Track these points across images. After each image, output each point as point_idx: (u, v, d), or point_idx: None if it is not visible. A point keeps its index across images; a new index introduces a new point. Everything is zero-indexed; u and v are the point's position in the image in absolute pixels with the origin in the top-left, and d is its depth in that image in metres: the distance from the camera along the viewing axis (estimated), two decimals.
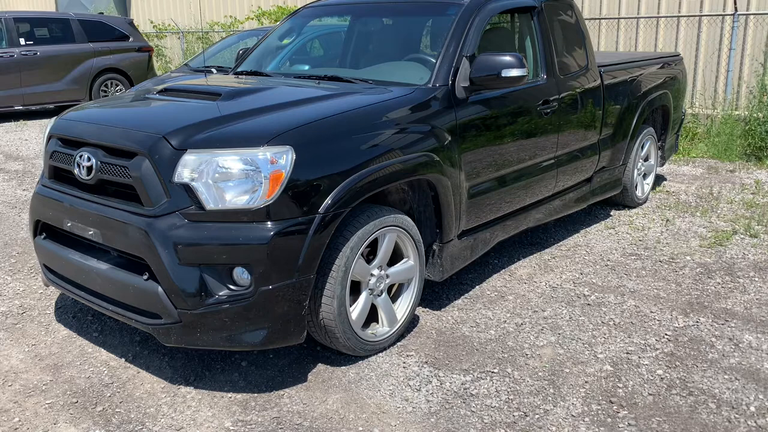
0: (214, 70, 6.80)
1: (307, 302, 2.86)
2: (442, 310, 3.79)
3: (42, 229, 3.39)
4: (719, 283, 4.13)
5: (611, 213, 5.61)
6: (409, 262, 3.39)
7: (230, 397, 2.93)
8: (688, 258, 4.57)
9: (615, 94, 5.04)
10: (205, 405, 2.87)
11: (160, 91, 3.52)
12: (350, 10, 4.50)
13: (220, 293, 2.76)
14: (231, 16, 14.92)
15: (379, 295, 3.26)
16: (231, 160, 2.72)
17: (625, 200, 5.64)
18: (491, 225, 3.98)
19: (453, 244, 3.64)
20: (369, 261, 3.19)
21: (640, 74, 5.40)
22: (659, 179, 6.65)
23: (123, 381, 3.06)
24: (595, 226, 5.29)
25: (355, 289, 3.17)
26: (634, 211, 5.66)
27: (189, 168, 2.74)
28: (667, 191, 6.29)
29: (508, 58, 3.51)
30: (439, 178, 3.36)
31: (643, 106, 5.39)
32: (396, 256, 3.37)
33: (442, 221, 3.49)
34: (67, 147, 3.19)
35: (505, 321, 3.65)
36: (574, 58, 4.62)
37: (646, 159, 5.81)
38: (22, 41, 11.09)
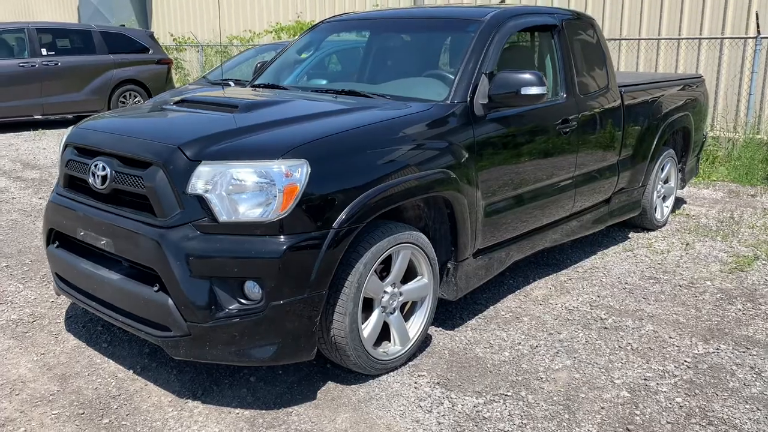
0: (231, 83, 6.81)
1: (318, 318, 2.81)
2: (456, 330, 3.72)
3: (55, 237, 3.38)
4: (740, 310, 4.03)
5: (630, 235, 5.52)
6: (423, 280, 3.33)
7: (238, 413, 2.88)
8: (709, 283, 4.47)
9: (635, 115, 4.98)
10: (212, 420, 2.82)
11: (177, 102, 3.52)
12: (369, 25, 4.48)
13: (231, 307, 2.71)
14: (250, 31, 15.03)
15: (391, 313, 3.21)
16: (245, 173, 2.69)
17: (644, 222, 5.56)
18: (507, 244, 3.92)
19: (468, 263, 3.58)
20: (382, 278, 3.14)
21: (661, 95, 5.33)
22: (679, 202, 6.56)
23: (130, 393, 3.02)
24: (613, 248, 5.21)
25: (368, 306, 3.11)
26: (653, 233, 5.57)
27: (203, 179, 2.71)
28: (687, 214, 6.19)
29: (527, 76, 3.47)
30: (456, 195, 3.31)
31: (664, 127, 5.32)
32: (410, 274, 3.32)
33: (457, 239, 3.43)
34: (83, 156, 3.18)
35: (520, 343, 3.57)
36: (595, 78, 4.57)
37: (666, 181, 5.73)
38: (43, 51, 11.23)
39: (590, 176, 4.53)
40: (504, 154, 3.67)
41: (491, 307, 4.04)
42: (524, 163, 3.83)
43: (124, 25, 14.57)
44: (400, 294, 3.23)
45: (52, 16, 21.56)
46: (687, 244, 5.26)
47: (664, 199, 5.78)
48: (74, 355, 3.37)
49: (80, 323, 3.72)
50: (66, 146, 3.34)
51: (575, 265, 4.81)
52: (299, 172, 2.70)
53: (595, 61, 4.62)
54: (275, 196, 2.67)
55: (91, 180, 3.07)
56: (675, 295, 4.26)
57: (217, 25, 15.89)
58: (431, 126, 3.30)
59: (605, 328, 3.78)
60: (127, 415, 2.86)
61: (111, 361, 3.32)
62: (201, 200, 2.71)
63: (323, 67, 4.40)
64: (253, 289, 2.71)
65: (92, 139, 3.16)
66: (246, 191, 2.70)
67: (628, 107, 4.86)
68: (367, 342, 3.05)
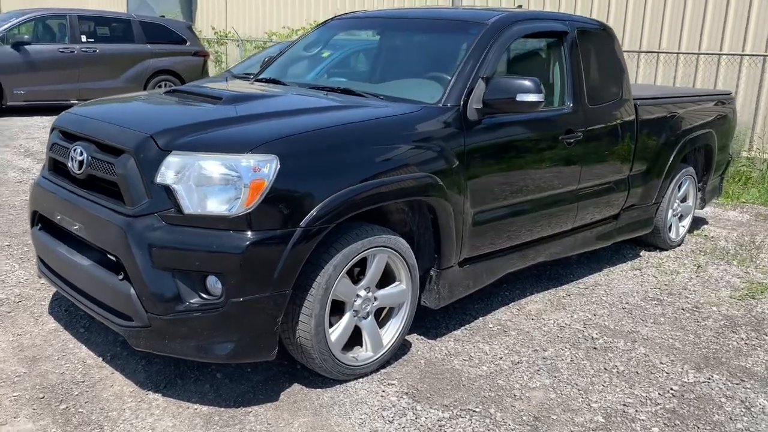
0: (251, 77, 6.80)
1: (280, 318, 2.74)
2: (438, 339, 3.62)
3: (38, 220, 3.39)
4: (743, 339, 3.84)
5: (640, 253, 5.32)
6: (401, 286, 3.24)
7: (195, 409, 2.84)
8: (714, 309, 4.27)
9: (650, 129, 4.80)
10: (168, 414, 2.78)
11: (168, 92, 3.50)
12: (375, 24, 4.41)
13: (192, 301, 2.67)
14: (288, 27, 15.11)
15: (364, 318, 3.13)
16: (213, 165, 2.65)
17: (656, 241, 5.36)
18: (499, 255, 3.80)
19: (453, 272, 3.47)
20: (356, 281, 3.06)
21: (683, 110, 5.13)
22: (699, 222, 6.31)
23: (94, 381, 3.01)
24: (620, 265, 5.03)
25: (340, 309, 3.04)
26: (665, 253, 5.36)
27: (171, 169, 2.67)
28: (705, 235, 5.95)
29: (524, 82, 3.35)
30: (440, 201, 3.21)
31: (683, 144, 5.12)
32: (389, 279, 3.24)
33: (440, 246, 3.33)
34: (66, 140, 3.19)
35: (501, 357, 3.46)
36: (607, 89, 4.41)
37: (683, 200, 5.51)
38: (83, 38, 11.44)
39: (596, 190, 4.38)
40: (498, 162, 3.56)
41: (480, 319, 3.93)
42: (520, 173, 3.71)
43: (164, 16, 14.77)
44: (375, 299, 3.15)
45: (99, 4, 22.02)
46: (699, 267, 5.05)
47: (681, 218, 5.56)
48: (50, 338, 3.38)
49: (63, 307, 3.74)
50: (53, 129, 3.35)
51: (577, 281, 4.65)
52: (268, 167, 2.64)
53: (608, 72, 4.46)
54: (241, 191, 2.62)
55: (69, 164, 3.07)
56: (675, 319, 4.08)
57: (259, 20, 16.02)
58: (417, 128, 3.21)
59: (594, 348, 3.63)
60: (86, 402, 2.84)
61: (84, 346, 3.32)
62: (168, 191, 2.68)
63: (326, 63, 4.34)
64: (215, 284, 2.67)
65: (75, 124, 3.17)
66: (213, 184, 2.65)
67: (642, 121, 4.68)
68: (334, 346, 2.97)
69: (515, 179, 3.68)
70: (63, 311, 3.68)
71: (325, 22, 4.59)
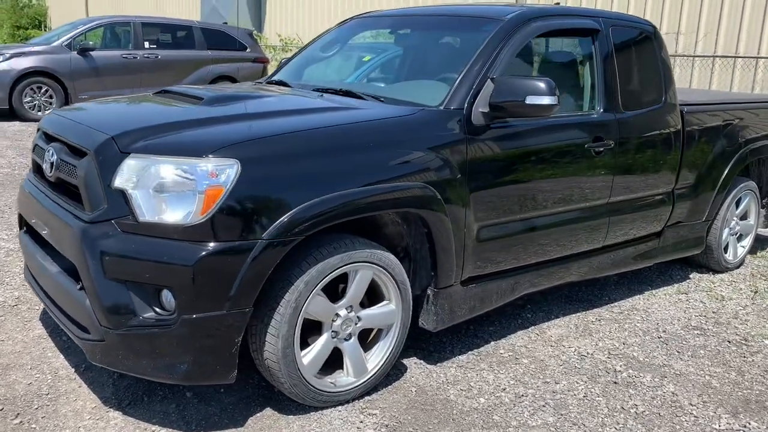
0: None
1: (239, 338, 2.50)
2: (439, 364, 3.31)
3: (24, 223, 3.30)
4: None
5: (691, 275, 4.81)
6: (390, 306, 2.95)
7: (153, 431, 2.63)
8: (767, 342, 3.76)
9: (700, 138, 4.31)
10: None
11: (157, 93, 3.35)
12: (392, 23, 4.13)
13: (146, 315, 2.47)
14: None
15: (346, 340, 2.85)
16: (168, 170, 2.44)
17: (709, 263, 4.83)
18: (513, 274, 3.45)
19: (454, 291, 3.15)
20: (336, 299, 2.80)
21: (741, 118, 4.61)
22: (763, 243, 5.69)
23: (59, 394, 2.86)
24: (665, 288, 4.55)
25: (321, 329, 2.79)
26: (720, 276, 4.83)
27: (128, 173, 2.49)
28: None
29: (535, 83, 3.00)
30: (434, 214, 2.90)
31: (742, 155, 4.60)
32: (379, 298, 2.96)
33: (436, 263, 3.02)
34: (45, 141, 3.07)
35: (505, 389, 3.11)
36: (647, 94, 3.98)
37: (743, 217, 4.97)
38: (146, 44, 11.69)
39: (632, 205, 3.94)
40: (508, 172, 3.22)
41: (492, 343, 3.58)
42: (535, 184, 3.35)
43: (226, 23, 14.98)
44: (359, 319, 2.87)
45: (178, 12, 22.68)
46: (756, 293, 4.51)
47: (740, 238, 5.01)
48: (30, 346, 3.27)
49: None
50: (38, 131, 3.25)
51: (612, 304, 4.22)
52: (226, 173, 2.42)
53: (649, 75, 4.02)
54: (195, 198, 2.40)
55: (44, 166, 2.95)
56: (718, 353, 3.60)
57: (324, 27, 16.04)
58: (409, 133, 2.91)
59: (615, 382, 3.23)
60: (42, 417, 2.69)
61: (62, 356, 3.19)
62: (126, 196, 2.50)
63: (335, 65, 4.11)
64: (169, 298, 2.46)
65: (53, 124, 3.05)
66: (168, 190, 2.45)
67: (690, 128, 4.21)
68: (306, 369, 2.71)
69: (529, 191, 3.33)
70: (52, 318, 3.58)
71: (341, 23, 4.36)
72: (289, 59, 4.33)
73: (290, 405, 2.84)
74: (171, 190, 2.44)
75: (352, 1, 15.57)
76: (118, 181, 2.50)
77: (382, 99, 3.28)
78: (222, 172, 2.41)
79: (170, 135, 2.59)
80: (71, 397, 2.84)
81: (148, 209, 2.45)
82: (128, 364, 2.54)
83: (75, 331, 2.69)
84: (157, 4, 24.23)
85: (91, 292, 2.51)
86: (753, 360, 3.54)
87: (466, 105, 3.08)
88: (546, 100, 3.01)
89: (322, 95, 3.35)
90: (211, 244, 2.40)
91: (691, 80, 8.38)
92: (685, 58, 8.34)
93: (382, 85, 3.65)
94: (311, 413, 2.80)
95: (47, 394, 2.85)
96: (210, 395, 2.91)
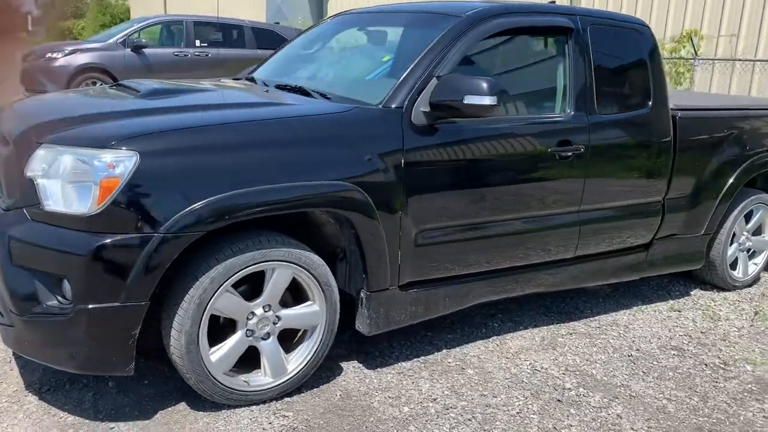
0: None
1: (136, 331, 2.50)
2: (377, 370, 3.21)
3: None
4: (761, 411, 3.05)
5: (692, 292, 4.50)
6: (313, 307, 2.88)
7: (60, 418, 2.67)
8: (748, 368, 3.46)
9: (697, 145, 4.02)
10: (28, 422, 2.64)
11: (111, 86, 3.40)
12: (372, 19, 4.04)
13: (49, 303, 2.50)
14: None
15: (263, 339, 2.81)
16: (70, 160, 2.47)
17: (713, 279, 4.50)
18: (465, 281, 3.31)
19: (391, 295, 3.06)
20: (251, 297, 2.75)
21: (749, 124, 4.28)
22: None
23: None
24: (658, 304, 4.27)
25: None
26: (725, 294, 4.49)
27: (37, 163, 2.53)
28: None
29: (476, 82, 2.87)
30: (359, 216, 2.81)
31: (750, 164, 4.26)
32: (304, 298, 2.90)
33: (365, 266, 2.94)
34: None
35: (435, 399, 2.98)
36: (630, 97, 3.75)
37: (756, 233, 4.60)
38: (197, 43, 12.01)
39: (609, 214, 3.72)
40: (452, 175, 3.09)
41: (443, 351, 3.45)
42: (486, 189, 3.20)
43: (278, 23, 15.21)
44: (278, 318, 2.82)
45: (246, 14, 23.23)
46: (757, 314, 4.16)
47: (753, 254, 4.65)
48: None
49: None
50: None
51: (591, 318, 3.99)
52: (124, 165, 2.41)
53: (634, 77, 3.78)
54: (92, 189, 2.42)
55: None
56: (689, 375, 3.34)
57: None
58: (339, 132, 2.84)
59: (558, 400, 3.04)
60: None
61: None
62: (34, 185, 2.54)
63: (304, 61, 4.05)
64: (68, 288, 2.48)
65: (2, 117, 3.14)
66: (70, 180, 2.47)
67: (684, 134, 3.93)
68: (214, 367, 2.68)
69: (478, 197, 3.18)
70: None
71: (318, 22, 4.32)
72: (271, 56, 4.32)
73: (205, 402, 2.82)
74: (73, 181, 2.47)
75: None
76: (29, 171, 2.54)
77: (329, 97, 3.22)
78: (119, 164, 2.41)
79: (81, 127, 2.62)
80: None
81: (53, 198, 2.49)
82: (33, 351, 2.59)
83: None
84: (229, 5, 24.90)
85: (1, 277, 2.56)
86: (724, 386, 3.26)
87: (406, 103, 2.98)
88: (486, 100, 2.87)
89: (267, 91, 3.32)
90: (106, 236, 2.41)
91: (730, 85, 7.89)
92: (707, 61, 7.88)
93: (339, 82, 3.57)
94: (222, 411, 2.77)
95: None
96: (131, 386, 2.92)
